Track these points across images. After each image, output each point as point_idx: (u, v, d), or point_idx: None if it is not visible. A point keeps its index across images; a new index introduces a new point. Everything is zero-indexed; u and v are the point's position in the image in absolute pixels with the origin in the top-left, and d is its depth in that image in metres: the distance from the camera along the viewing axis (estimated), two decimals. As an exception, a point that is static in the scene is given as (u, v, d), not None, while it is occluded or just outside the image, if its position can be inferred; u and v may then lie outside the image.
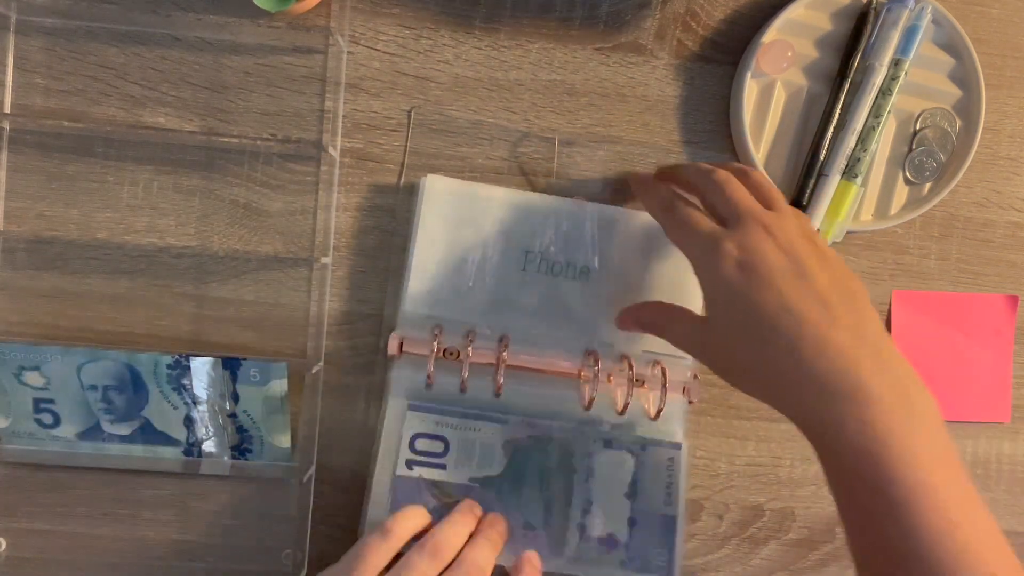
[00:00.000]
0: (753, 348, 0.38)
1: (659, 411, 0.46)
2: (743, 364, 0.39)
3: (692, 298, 0.48)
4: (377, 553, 0.41)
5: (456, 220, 0.48)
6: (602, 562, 0.47)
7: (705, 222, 0.41)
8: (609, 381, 0.48)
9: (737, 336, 0.39)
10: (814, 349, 0.36)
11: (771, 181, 0.44)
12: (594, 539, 0.47)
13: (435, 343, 0.46)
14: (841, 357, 0.36)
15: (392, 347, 0.47)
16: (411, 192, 0.49)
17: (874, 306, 0.40)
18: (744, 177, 0.43)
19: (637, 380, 0.48)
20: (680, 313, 0.44)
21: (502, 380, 0.46)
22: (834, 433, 0.37)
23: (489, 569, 0.43)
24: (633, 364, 0.47)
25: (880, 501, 0.35)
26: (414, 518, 0.44)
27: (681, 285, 0.49)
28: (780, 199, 0.42)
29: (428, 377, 0.46)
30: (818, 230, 0.48)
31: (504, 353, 0.46)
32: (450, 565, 0.42)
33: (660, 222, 0.44)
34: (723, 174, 0.42)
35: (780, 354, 0.37)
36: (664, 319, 0.44)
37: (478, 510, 0.46)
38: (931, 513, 0.35)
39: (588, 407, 0.46)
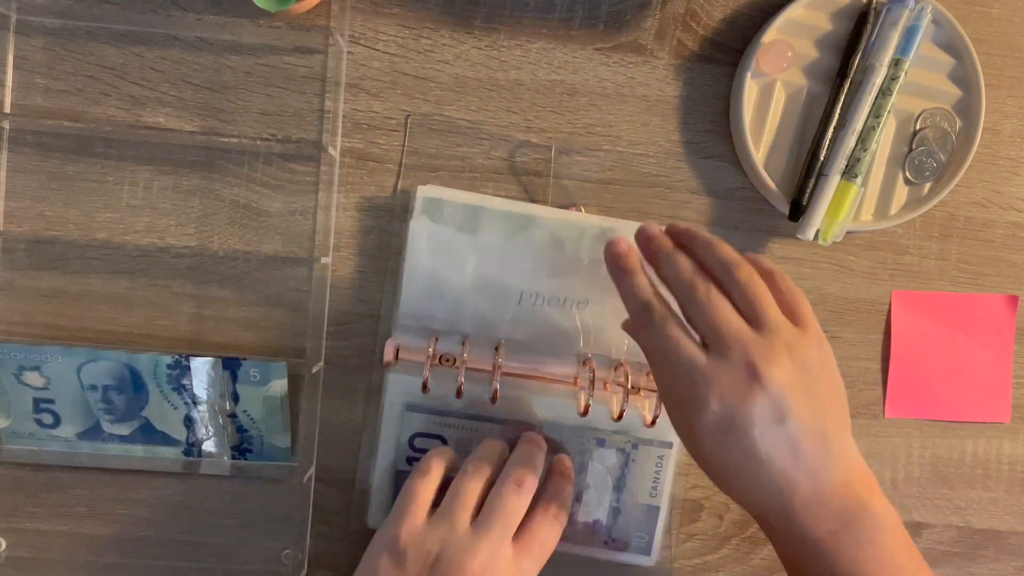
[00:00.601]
0: (714, 468, 0.39)
1: (655, 419, 0.46)
2: (704, 463, 0.40)
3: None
4: (423, 491, 0.43)
5: (449, 231, 0.48)
6: (587, 542, 0.49)
7: (685, 347, 0.39)
8: (605, 388, 0.48)
9: (702, 454, 0.39)
10: (776, 493, 0.38)
11: (760, 282, 0.40)
12: (580, 523, 0.49)
13: (431, 349, 0.46)
14: (796, 499, 0.38)
15: (388, 354, 0.47)
16: (407, 198, 0.48)
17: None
18: (730, 281, 0.40)
19: (632, 388, 0.48)
20: (667, 371, 0.40)
21: (498, 387, 0.46)
22: (787, 545, 0.40)
23: (540, 466, 0.44)
24: (629, 371, 0.47)
25: None
26: (445, 455, 0.45)
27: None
28: (770, 308, 0.39)
29: (424, 386, 0.46)
30: (817, 231, 0.48)
31: (499, 360, 0.46)
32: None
33: (633, 329, 0.42)
34: (703, 292, 0.39)
35: (741, 485, 0.39)
36: (651, 357, 0.41)
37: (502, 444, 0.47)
38: None
39: (584, 414, 0.46)
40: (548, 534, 0.43)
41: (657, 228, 0.44)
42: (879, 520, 0.39)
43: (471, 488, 0.42)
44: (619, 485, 0.49)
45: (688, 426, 0.39)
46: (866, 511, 0.38)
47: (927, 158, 0.49)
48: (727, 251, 0.41)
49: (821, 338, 0.40)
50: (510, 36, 0.49)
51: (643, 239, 0.43)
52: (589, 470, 0.49)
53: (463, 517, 0.41)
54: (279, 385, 0.47)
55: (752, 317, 0.39)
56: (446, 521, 0.41)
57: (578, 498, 0.49)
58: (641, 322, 0.41)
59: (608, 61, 0.49)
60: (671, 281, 0.41)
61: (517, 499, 0.42)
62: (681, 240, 0.43)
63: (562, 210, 0.49)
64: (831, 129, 0.48)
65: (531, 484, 0.43)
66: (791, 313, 0.40)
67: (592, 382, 0.46)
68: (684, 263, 0.41)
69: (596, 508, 0.49)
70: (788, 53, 0.48)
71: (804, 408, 0.38)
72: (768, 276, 0.41)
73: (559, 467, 0.46)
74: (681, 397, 0.39)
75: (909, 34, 0.47)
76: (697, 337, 0.40)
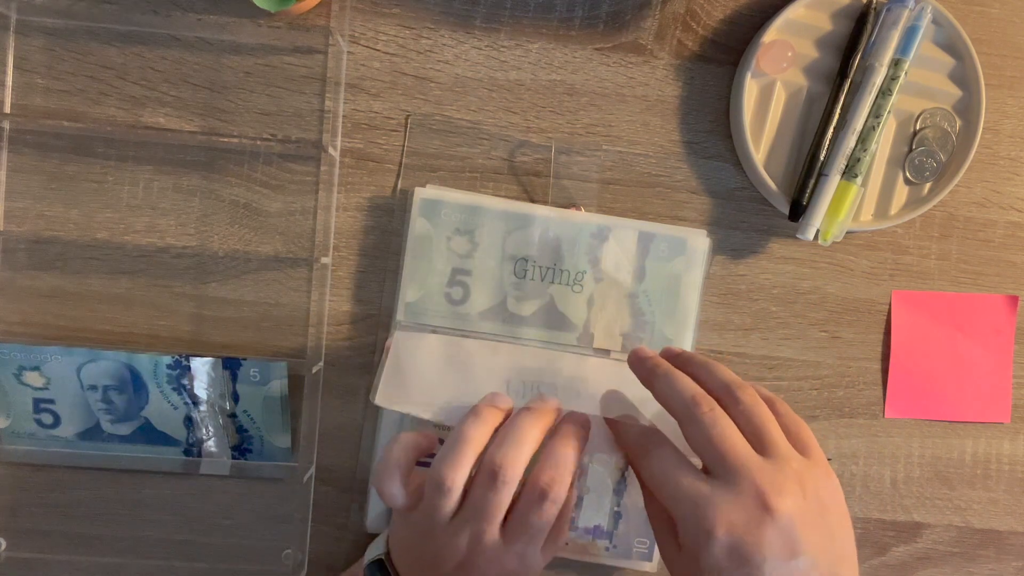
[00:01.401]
0: None
1: None
2: None
3: (687, 307, 0.49)
4: (417, 446, 0.42)
5: (449, 231, 0.48)
6: (588, 549, 0.49)
7: (687, 479, 0.37)
8: None
9: None
10: None
11: (764, 406, 0.39)
12: (581, 528, 0.49)
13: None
14: None
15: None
16: (407, 198, 0.48)
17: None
18: (732, 403, 0.38)
19: None
20: (669, 501, 0.38)
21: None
22: None
23: (531, 445, 0.40)
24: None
25: None
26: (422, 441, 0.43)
27: (675, 292, 0.49)
28: (777, 433, 0.38)
29: None
30: (817, 231, 0.48)
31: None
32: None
33: (633, 463, 0.40)
34: (707, 411, 0.37)
35: None
36: (652, 487, 0.39)
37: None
38: None
39: None
40: (538, 511, 0.39)
41: (650, 350, 0.42)
42: None
43: (455, 481, 0.39)
44: (619, 489, 0.49)
45: (691, 561, 0.36)
46: None
47: (927, 158, 0.49)
48: (728, 373, 0.40)
49: (829, 469, 0.39)
50: (510, 36, 0.49)
51: (636, 360, 0.42)
52: (589, 473, 0.49)
53: (443, 512, 0.39)
54: (279, 385, 0.47)
55: (758, 442, 0.37)
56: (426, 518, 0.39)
57: (578, 503, 0.49)
58: (639, 458, 0.39)
59: (608, 61, 0.49)
60: (671, 399, 0.39)
61: (495, 494, 0.38)
62: (675, 363, 0.41)
63: (562, 210, 0.49)
64: (831, 129, 0.48)
65: (512, 474, 0.38)
66: (796, 441, 0.39)
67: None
68: (685, 380, 0.39)
69: (596, 513, 0.49)
70: (788, 53, 0.48)
71: (816, 545, 0.36)
72: (768, 402, 0.40)
73: (564, 421, 0.42)
74: (686, 528, 0.37)
75: (909, 34, 0.47)
76: (699, 463, 0.38)
